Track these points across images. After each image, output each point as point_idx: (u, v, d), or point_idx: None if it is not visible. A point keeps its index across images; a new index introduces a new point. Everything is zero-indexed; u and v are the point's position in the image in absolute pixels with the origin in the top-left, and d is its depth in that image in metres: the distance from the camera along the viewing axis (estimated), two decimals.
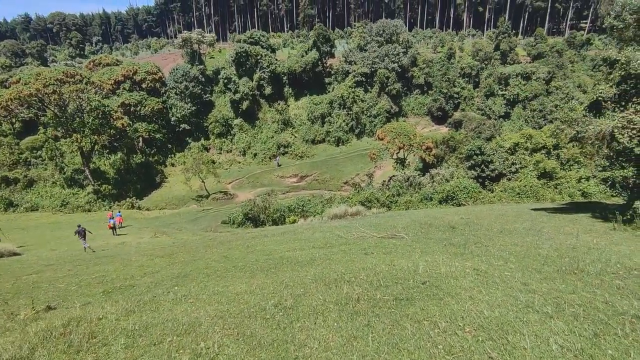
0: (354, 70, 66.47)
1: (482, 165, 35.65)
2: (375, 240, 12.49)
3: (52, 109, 43.32)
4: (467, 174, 36.75)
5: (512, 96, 61.24)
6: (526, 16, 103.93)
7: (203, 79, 65.98)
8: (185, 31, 73.76)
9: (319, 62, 68.29)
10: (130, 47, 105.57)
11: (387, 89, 65.33)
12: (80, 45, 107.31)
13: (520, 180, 32.74)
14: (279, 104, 67.56)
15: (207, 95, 66.64)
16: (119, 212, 35.75)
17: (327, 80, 70.68)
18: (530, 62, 66.90)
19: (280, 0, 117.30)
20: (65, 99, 42.31)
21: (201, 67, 67.27)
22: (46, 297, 8.92)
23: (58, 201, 45.99)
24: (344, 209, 25.05)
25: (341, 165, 59.34)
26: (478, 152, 36.00)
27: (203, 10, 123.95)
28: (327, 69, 70.82)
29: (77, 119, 44.32)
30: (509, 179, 34.61)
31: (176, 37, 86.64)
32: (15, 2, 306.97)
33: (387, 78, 64.50)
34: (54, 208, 44.75)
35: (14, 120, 58.97)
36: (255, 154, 62.43)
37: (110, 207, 46.72)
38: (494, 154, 36.43)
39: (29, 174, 51.31)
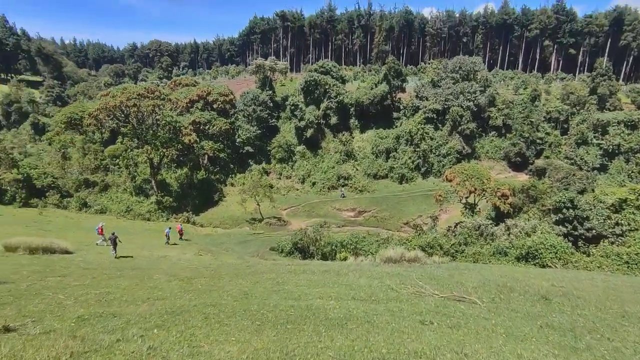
0: (425, 106, 63.35)
1: (575, 222, 29.94)
2: (436, 302, 9.37)
3: (132, 121, 45.93)
4: (553, 230, 31.10)
5: (611, 146, 53.30)
6: (630, 60, 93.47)
7: (271, 104, 67.32)
8: (260, 58, 77.15)
9: (388, 96, 66.39)
10: (211, 72, 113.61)
11: (459, 128, 60.95)
12: (169, 69, 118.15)
13: (630, 246, 26.53)
14: (343, 134, 66.25)
15: (274, 120, 67.66)
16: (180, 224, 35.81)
17: (395, 114, 68.24)
18: (636, 110, 58.41)
19: (355, 36, 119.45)
20: (143, 112, 44.66)
21: (270, 92, 68.91)
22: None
23: (124, 207, 47.92)
24: (400, 252, 21.50)
25: (403, 204, 55.38)
26: (570, 205, 30.43)
27: (281, 42, 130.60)
28: (396, 103, 68.55)
29: (151, 131, 46.44)
30: (612, 242, 28.40)
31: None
32: (127, 34, 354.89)
33: (460, 116, 60.30)
34: (119, 213, 46.58)
35: (102, 130, 64.67)
36: (314, 183, 60.96)
37: (167, 219, 47.63)
38: (590, 209, 30.54)
39: (106, 179, 54.82)
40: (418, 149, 60.83)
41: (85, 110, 60.55)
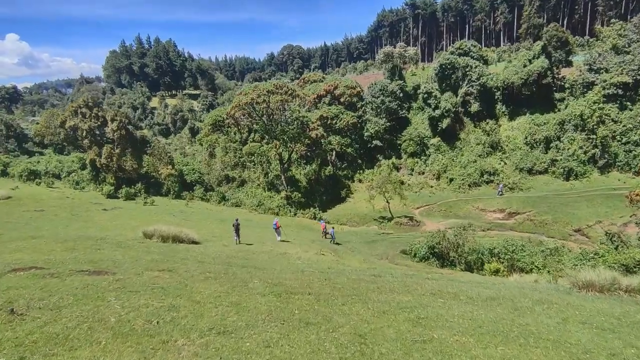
0: (605, 80, 48.70)
1: None
2: None
3: (262, 117, 47.01)
4: None
5: None
6: None
7: (401, 95, 61.91)
8: (388, 46, 72.52)
9: (548, 72, 53.53)
10: (340, 70, 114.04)
11: None
12: (300, 71, 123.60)
13: None
14: (487, 123, 56.36)
15: (404, 111, 62.10)
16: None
17: (557, 95, 54.77)
18: None
19: (498, 12, 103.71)
20: (272, 107, 45.08)
21: (400, 82, 63.47)
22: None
23: (256, 201, 49.63)
24: (610, 277, 14.18)
25: (571, 206, 43.28)
26: None
27: (411, 32, 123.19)
28: (559, 82, 54.92)
29: (280, 127, 46.68)
30: None
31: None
32: (267, 47, 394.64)
33: None
34: (251, 207, 48.34)
35: (239, 128, 69.92)
36: (451, 179, 53.24)
37: (295, 214, 47.34)
38: None
39: (243, 175, 58.49)
40: (593, 136, 47.02)
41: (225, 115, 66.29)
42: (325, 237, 33.55)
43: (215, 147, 68.44)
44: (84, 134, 44.06)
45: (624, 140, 46.78)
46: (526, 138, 52.91)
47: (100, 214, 32.71)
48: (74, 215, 32.02)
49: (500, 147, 54.13)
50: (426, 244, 28.94)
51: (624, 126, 46.86)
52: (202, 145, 76.61)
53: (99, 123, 44.84)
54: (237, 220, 22.72)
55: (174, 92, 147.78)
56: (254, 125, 50.72)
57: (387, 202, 45.58)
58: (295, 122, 47.01)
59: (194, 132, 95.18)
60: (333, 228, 34.60)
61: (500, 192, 47.76)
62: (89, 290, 8.26)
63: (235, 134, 72.48)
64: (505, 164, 52.73)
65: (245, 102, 44.01)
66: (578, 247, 33.55)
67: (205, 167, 60.00)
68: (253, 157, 62.44)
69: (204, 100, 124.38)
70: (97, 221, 28.85)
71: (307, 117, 49.89)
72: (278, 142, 45.09)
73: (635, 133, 46.06)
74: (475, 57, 59.76)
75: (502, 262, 25.94)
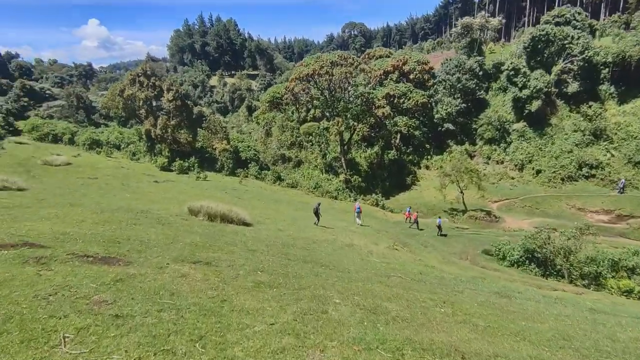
0: None
1: None
2: None
3: (323, 92, 42.69)
4: None
5: None
6: None
7: (480, 73, 54.03)
8: (467, 17, 63.84)
9: None
10: (404, 50, 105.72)
11: None
12: (362, 49, 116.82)
13: None
14: (589, 106, 47.06)
15: (482, 92, 54.22)
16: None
17: None
18: None
19: None
20: (334, 81, 40.51)
21: (480, 58, 55.42)
22: None
23: (313, 183, 45.94)
24: None
25: None
26: None
27: (486, 9, 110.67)
28: None
29: (343, 102, 42.07)
30: None
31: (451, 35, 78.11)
32: (326, 29, 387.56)
33: None
34: (308, 188, 44.73)
35: (298, 106, 66.38)
36: (538, 171, 45.32)
37: (355, 199, 42.91)
38: None
39: (300, 155, 55.07)
40: None
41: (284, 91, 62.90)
42: (413, 226, 32.41)
43: (272, 125, 65.67)
44: (141, 104, 42.80)
45: None
46: None
47: (151, 186, 30.64)
48: (125, 185, 30.12)
49: (606, 136, 44.84)
50: (521, 246, 23.00)
51: None
52: (258, 123, 74.50)
53: (155, 93, 43.37)
54: (318, 204, 22.81)
55: (233, 72, 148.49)
56: (314, 101, 46.40)
57: (462, 192, 39.38)
58: (360, 99, 41.98)
59: (251, 110, 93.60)
60: (440, 218, 32.86)
61: (621, 190, 39.35)
62: (49, 306, 4.44)
63: (293, 112, 69.22)
64: (613, 155, 43.57)
65: (307, 73, 39.76)
66: None
67: (261, 146, 57.37)
68: (311, 137, 58.65)
69: (262, 80, 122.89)
70: (146, 193, 26.43)
71: (373, 93, 44.60)
72: (340, 120, 40.47)
73: None
74: (578, 26, 50.00)
75: (635, 278, 19.49)
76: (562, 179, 43.34)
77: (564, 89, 48.90)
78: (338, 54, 44.13)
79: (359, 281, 8.84)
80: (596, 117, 45.83)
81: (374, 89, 54.04)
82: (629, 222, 37.10)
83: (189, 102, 49.87)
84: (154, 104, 45.43)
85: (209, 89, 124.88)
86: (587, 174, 42.92)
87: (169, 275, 6.56)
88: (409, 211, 35.53)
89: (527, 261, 22.22)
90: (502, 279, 17.85)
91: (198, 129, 51.84)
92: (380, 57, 59.60)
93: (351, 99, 43.21)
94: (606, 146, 44.45)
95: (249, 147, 51.71)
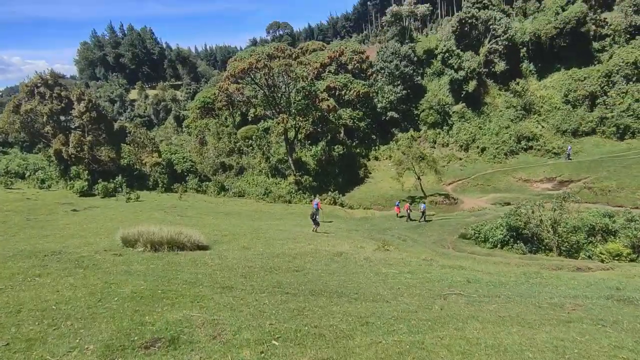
0: None
1: None
2: None
3: (263, 88, 39.21)
4: None
5: None
6: None
7: (415, 59, 54.39)
8: (394, 5, 64.42)
9: (587, 18, 46.62)
10: (339, 42, 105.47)
11: None
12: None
13: None
14: (517, 82, 49.36)
15: (418, 78, 54.64)
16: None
17: (595, 45, 47.94)
18: None
19: None
20: (274, 74, 37.31)
21: (412, 45, 55.90)
22: None
23: (261, 189, 42.16)
24: None
25: (636, 168, 36.83)
26: None
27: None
28: (600, 28, 48.01)
29: (285, 97, 38.98)
30: None
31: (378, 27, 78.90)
32: (249, 35, 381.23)
33: None
34: (257, 196, 40.85)
35: (233, 109, 61.80)
36: (482, 149, 46.38)
37: (310, 201, 40.07)
38: None
39: (241, 162, 50.77)
40: None
41: (216, 95, 58.04)
42: (409, 219, 31.06)
43: (206, 133, 60.33)
44: (45, 119, 35.55)
45: None
46: (566, 96, 46.15)
47: (68, 217, 24.63)
48: (30, 220, 23.76)
49: (535, 109, 47.30)
50: (504, 225, 21.88)
51: None
52: (189, 134, 68.40)
53: (62, 105, 36.21)
54: (316, 209, 22.55)
55: (154, 84, 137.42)
56: (253, 100, 42.54)
57: (419, 178, 38.44)
58: (302, 93, 39.20)
59: (179, 120, 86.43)
60: (424, 204, 31.93)
61: (569, 156, 41.06)
62: None
63: (226, 118, 64.40)
64: (543, 127, 46.00)
65: (242, 68, 35.84)
66: None
67: (197, 156, 51.96)
68: (251, 141, 54.69)
69: (187, 89, 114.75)
70: (61, 227, 20.66)
71: (315, 86, 42.11)
72: (285, 116, 37.24)
73: None
74: (496, 10, 52.45)
75: (624, 241, 19.12)
76: (505, 154, 44.75)
77: (493, 69, 50.87)
78: (274, 46, 40.92)
79: (424, 321, 5.79)
80: (524, 92, 48.16)
81: (313, 83, 51.77)
82: (569, 186, 39.00)
83: (107, 114, 43.04)
84: (62, 118, 38.23)
85: (129, 103, 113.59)
86: (525, 147, 44.78)
87: None
88: (397, 205, 34.00)
89: (511, 240, 21.06)
90: (531, 269, 16.19)
91: (122, 144, 45.20)
92: (314, 50, 57.46)
93: (292, 93, 40.23)
94: (536, 119, 46.88)
95: (184, 158, 46.26)
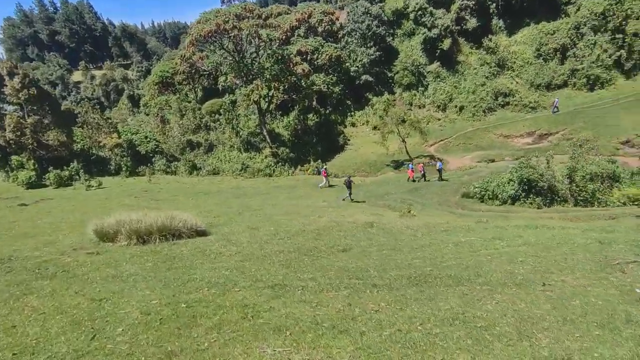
0: None
1: None
2: None
3: (232, 54, 35.60)
4: None
5: None
6: None
7: (385, 19, 52.09)
8: None
9: None
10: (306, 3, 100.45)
11: None
12: None
13: None
14: (490, 39, 48.63)
15: (390, 38, 52.58)
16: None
17: None
18: None
19: None
20: (243, 37, 33.84)
21: (381, 4, 53.45)
22: None
23: (238, 165, 39.32)
24: None
25: (610, 118, 37.60)
26: None
27: None
28: None
29: (256, 63, 35.72)
30: None
31: None
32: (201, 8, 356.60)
33: None
34: (234, 172, 38.01)
35: (195, 84, 57.12)
36: (461, 108, 45.70)
37: (292, 173, 37.93)
38: None
39: (209, 138, 47.16)
40: (620, 36, 40.97)
41: (176, 67, 53.01)
42: (424, 179, 29.51)
43: (167, 111, 55.44)
44: None
45: None
46: (537, 50, 46.06)
47: (15, 213, 20.85)
48: None
49: (508, 65, 46.98)
50: (514, 180, 20.78)
51: None
52: (147, 114, 62.80)
53: None
54: (349, 177, 23.19)
55: (99, 64, 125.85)
56: (221, 67, 38.60)
57: (403, 141, 37.10)
58: (274, 57, 36.01)
59: (134, 100, 79.44)
60: (441, 161, 31.05)
61: (556, 109, 40.95)
62: None
63: (187, 93, 59.47)
64: (517, 82, 45.90)
65: (209, 30, 31.80)
66: None
67: (160, 136, 47.63)
68: (217, 116, 50.93)
69: (138, 67, 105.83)
70: (6, 225, 17.01)
71: (288, 49, 38.96)
72: (259, 83, 34.06)
73: None
74: None
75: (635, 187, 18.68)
76: (484, 111, 44.31)
77: (465, 26, 49.74)
78: (241, 6, 36.91)
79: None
80: (497, 49, 47.60)
81: (281, 48, 48.35)
82: (549, 139, 39.37)
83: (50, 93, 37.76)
84: None
85: (73, 86, 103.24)
86: (502, 103, 44.53)
87: None
88: (411, 167, 30.17)
89: (522, 194, 20.09)
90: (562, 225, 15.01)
91: (72, 128, 40.25)
92: (279, 14, 53.35)
93: (263, 58, 36.93)
94: (510, 74, 46.64)
95: (147, 138, 42.10)
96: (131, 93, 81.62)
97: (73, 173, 33.61)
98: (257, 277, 6.09)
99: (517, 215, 15.95)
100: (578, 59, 43.35)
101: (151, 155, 40.89)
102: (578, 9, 45.39)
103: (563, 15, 47.17)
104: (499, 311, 4.23)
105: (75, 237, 10.84)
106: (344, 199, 21.79)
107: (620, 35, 40.95)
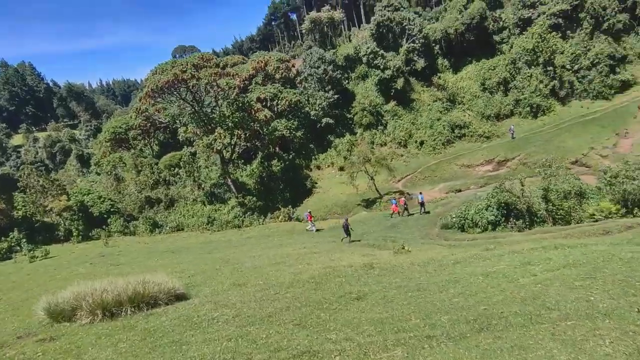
0: (544, 13, 47.47)
1: None
2: None
3: (190, 103, 34.69)
4: None
5: None
6: None
7: (339, 63, 54.26)
8: (313, 12, 64.15)
9: (487, 14, 51.08)
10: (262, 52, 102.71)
11: (604, 25, 44.58)
12: None
13: None
14: (439, 77, 51.81)
15: (346, 82, 54.52)
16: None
17: (496, 38, 52.72)
18: None
19: None
20: (201, 87, 33.27)
21: (334, 50, 55.89)
22: None
23: (203, 218, 36.97)
24: None
25: (557, 141, 40.34)
26: None
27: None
28: (497, 23, 52.94)
29: (217, 111, 35.02)
30: None
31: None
32: (149, 66, 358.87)
33: (604, 8, 43.89)
34: (200, 226, 35.58)
35: (151, 139, 54.99)
36: (421, 142, 47.16)
37: (263, 222, 36.12)
38: None
39: (169, 193, 44.55)
40: (550, 68, 45.19)
41: (129, 122, 51.01)
42: (407, 213, 29.38)
43: (121, 168, 52.32)
44: None
45: (575, 67, 45.81)
46: (482, 84, 49.58)
47: None
48: None
49: (459, 100, 49.92)
50: (493, 206, 20.70)
51: (572, 54, 45.89)
52: (99, 174, 59.07)
53: None
54: (346, 219, 22.26)
55: (42, 126, 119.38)
56: (180, 118, 37.17)
57: (372, 178, 37.07)
58: (235, 104, 35.52)
59: (84, 161, 74.93)
60: (421, 193, 30.16)
61: (512, 135, 43.29)
62: None
63: (142, 149, 57.00)
64: (470, 114, 48.60)
65: (166, 81, 30.81)
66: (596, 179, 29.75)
67: (115, 195, 44.38)
68: (177, 170, 48.87)
69: (87, 126, 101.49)
70: None
71: (248, 97, 38.72)
72: (222, 131, 33.03)
73: (585, 57, 45.32)
74: (408, 11, 55.01)
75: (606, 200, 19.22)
76: (443, 144, 45.99)
77: (414, 66, 52.80)
78: (198, 56, 36.52)
79: None
80: (446, 85, 50.68)
81: (239, 96, 48.26)
82: (507, 165, 41.24)
83: None
84: None
85: (13, 150, 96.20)
86: (459, 134, 46.61)
87: None
88: (394, 203, 30.31)
89: (502, 219, 20.01)
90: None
91: (12, 193, 36.45)
92: (235, 64, 53.98)
93: (223, 107, 36.31)
94: (462, 108, 49.44)
95: (100, 198, 38.86)
96: (80, 153, 77.13)
97: (13, 244, 29.74)
98: (273, 345, 4.78)
99: (508, 240, 15.56)
100: (519, 90, 46.96)
101: (106, 216, 37.54)
102: (511, 47, 49.96)
103: (499, 53, 51.65)
104: (625, 353, 3.25)
105: (19, 321, 8.79)
106: (342, 240, 21.74)
107: (551, 68, 45.13)
